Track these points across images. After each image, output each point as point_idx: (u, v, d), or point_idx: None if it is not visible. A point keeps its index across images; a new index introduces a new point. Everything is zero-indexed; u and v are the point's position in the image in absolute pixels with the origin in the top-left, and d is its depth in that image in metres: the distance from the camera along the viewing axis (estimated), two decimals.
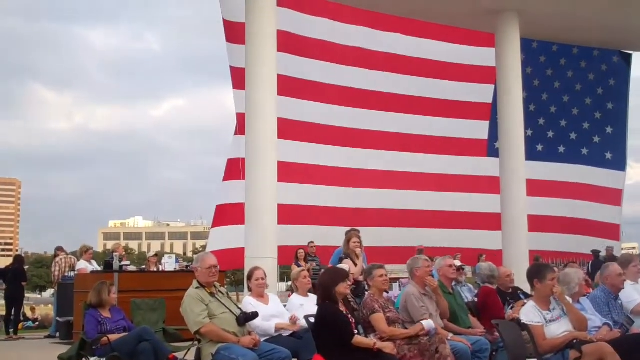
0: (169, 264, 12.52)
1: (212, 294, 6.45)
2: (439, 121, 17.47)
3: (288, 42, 15.16)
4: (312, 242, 15.30)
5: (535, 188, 16.24)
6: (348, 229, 10.76)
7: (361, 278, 8.61)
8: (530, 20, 15.88)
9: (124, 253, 17.57)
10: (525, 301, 7.11)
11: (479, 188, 17.20)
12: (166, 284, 10.90)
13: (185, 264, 13.69)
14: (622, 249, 19.52)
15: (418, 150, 17.13)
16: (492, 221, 15.88)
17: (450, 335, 7.04)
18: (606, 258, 16.15)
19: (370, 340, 6.37)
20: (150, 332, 7.17)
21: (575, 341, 6.26)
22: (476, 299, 8.67)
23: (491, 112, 17.22)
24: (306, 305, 7.32)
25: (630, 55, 19.61)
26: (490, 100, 17.38)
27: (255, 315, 6.46)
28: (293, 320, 7.05)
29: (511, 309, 8.14)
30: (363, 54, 16.71)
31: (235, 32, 14.55)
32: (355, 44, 16.62)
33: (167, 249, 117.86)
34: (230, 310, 6.43)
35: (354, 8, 16.19)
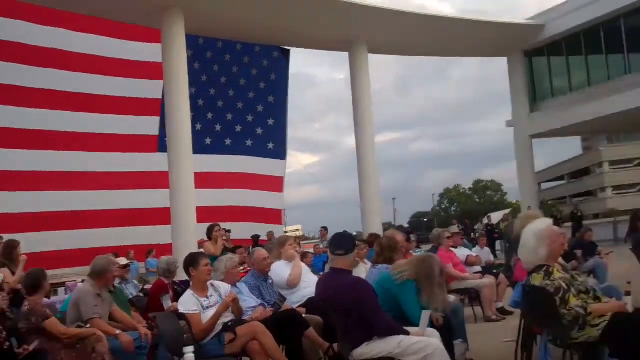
0: None
1: None
2: (110, 118, 17.24)
3: None
4: None
5: (204, 180, 16.79)
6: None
7: (19, 286, 8.24)
8: (195, 17, 16.31)
9: None
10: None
11: (149, 184, 17.28)
12: None
13: None
14: (285, 231, 20.93)
15: (88, 149, 16.72)
16: (161, 216, 16.11)
17: (118, 331, 7.09)
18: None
19: None
20: None
21: (230, 323, 6.68)
22: (141, 295, 8.85)
23: (161, 108, 17.36)
24: None
25: (288, 51, 20.99)
26: (160, 96, 17.49)
27: None
28: None
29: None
30: (29, 49, 15.82)
31: None
32: (20, 39, 15.67)
33: None
34: None
35: (16, 2, 15.21)
